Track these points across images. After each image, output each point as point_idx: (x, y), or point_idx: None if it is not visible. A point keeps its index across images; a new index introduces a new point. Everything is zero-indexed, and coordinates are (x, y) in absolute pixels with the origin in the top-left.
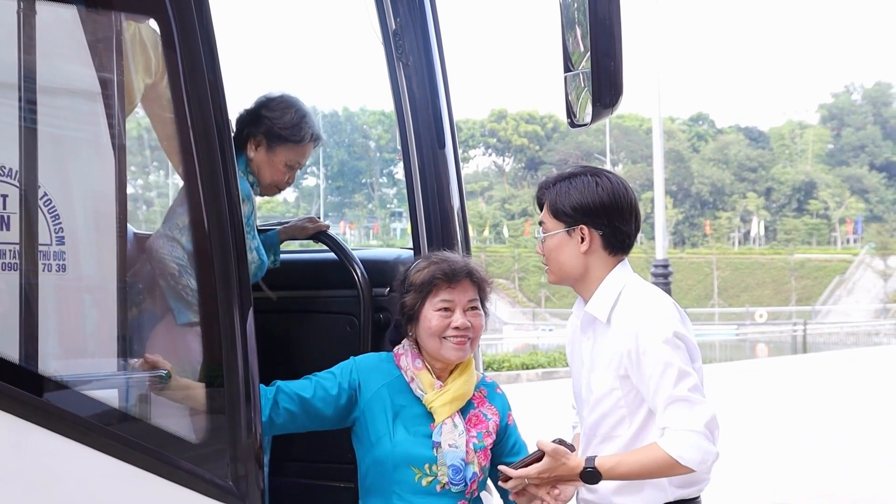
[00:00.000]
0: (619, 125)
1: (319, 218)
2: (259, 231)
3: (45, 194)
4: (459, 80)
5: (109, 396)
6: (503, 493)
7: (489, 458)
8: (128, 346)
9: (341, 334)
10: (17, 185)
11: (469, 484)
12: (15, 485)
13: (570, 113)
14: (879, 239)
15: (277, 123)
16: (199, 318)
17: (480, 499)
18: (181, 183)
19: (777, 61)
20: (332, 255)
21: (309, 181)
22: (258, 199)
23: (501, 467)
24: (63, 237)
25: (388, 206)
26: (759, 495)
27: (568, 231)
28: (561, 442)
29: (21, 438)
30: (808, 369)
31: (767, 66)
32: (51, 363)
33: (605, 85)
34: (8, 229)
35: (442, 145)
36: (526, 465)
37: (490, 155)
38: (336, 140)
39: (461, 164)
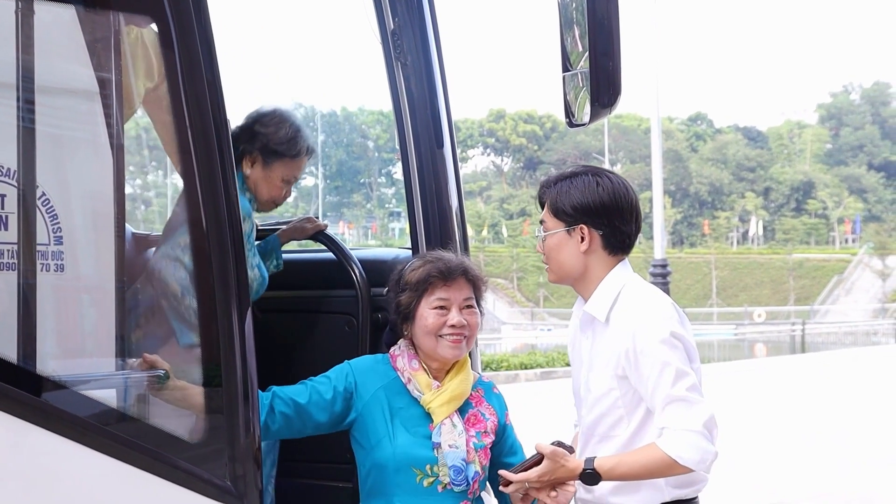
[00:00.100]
0: (617, 125)
1: (318, 218)
2: (258, 233)
3: (44, 194)
4: (458, 79)
5: (108, 396)
6: (502, 499)
7: (489, 457)
8: (126, 345)
9: (340, 334)
10: (16, 184)
11: (471, 483)
12: (13, 485)
13: (569, 113)
14: (878, 239)
15: (273, 139)
16: (199, 327)
17: (482, 498)
18: (181, 198)
19: (775, 61)
20: (330, 254)
21: (307, 181)
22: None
23: (502, 472)
24: (61, 237)
25: (387, 205)
26: (757, 495)
27: (568, 230)
28: (559, 444)
29: (19, 438)
30: (806, 369)
31: (766, 65)
32: (49, 363)
33: (603, 85)
34: (6, 229)
35: (440, 145)
36: (525, 469)
37: (488, 155)
38: (334, 140)
39: (459, 163)
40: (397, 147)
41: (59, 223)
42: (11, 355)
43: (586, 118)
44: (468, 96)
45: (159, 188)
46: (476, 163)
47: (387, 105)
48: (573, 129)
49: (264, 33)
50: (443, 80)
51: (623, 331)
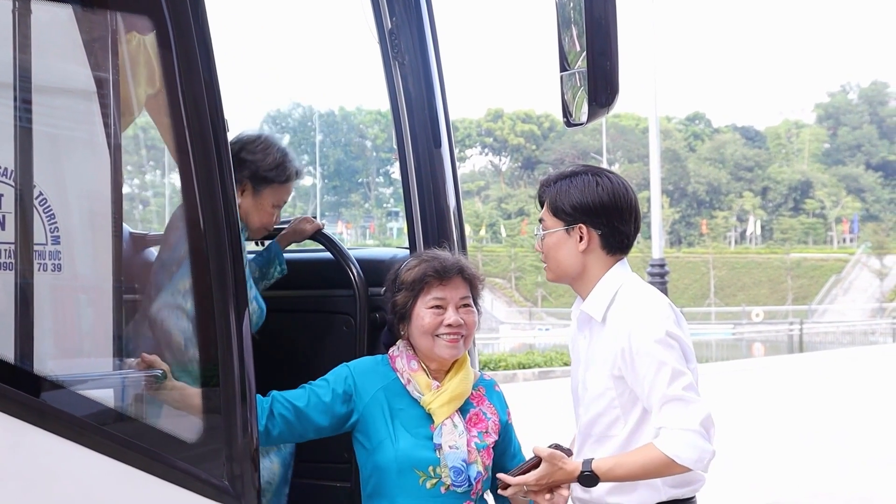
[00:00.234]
0: (615, 124)
1: (315, 217)
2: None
3: (41, 194)
4: (456, 79)
5: (105, 396)
6: (500, 502)
7: (492, 456)
8: (124, 345)
9: (338, 334)
10: (13, 184)
11: (474, 484)
12: (11, 485)
13: (567, 112)
14: (875, 238)
15: (262, 166)
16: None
17: (485, 499)
18: (179, 209)
19: (773, 60)
20: (328, 254)
21: (305, 181)
22: None
23: (500, 475)
24: (59, 237)
25: (385, 205)
26: (755, 495)
27: (567, 229)
28: (557, 447)
29: (17, 438)
30: (804, 368)
31: (764, 65)
32: (46, 363)
33: (601, 84)
34: (3, 229)
35: (438, 144)
36: (523, 472)
37: (486, 154)
38: (332, 139)
39: (457, 163)
40: (395, 147)
41: (56, 223)
42: (9, 355)
43: (584, 118)
44: (466, 96)
45: (157, 188)
46: (474, 162)
47: (384, 105)
48: (571, 129)
49: (262, 33)
50: (440, 80)
51: (619, 330)
